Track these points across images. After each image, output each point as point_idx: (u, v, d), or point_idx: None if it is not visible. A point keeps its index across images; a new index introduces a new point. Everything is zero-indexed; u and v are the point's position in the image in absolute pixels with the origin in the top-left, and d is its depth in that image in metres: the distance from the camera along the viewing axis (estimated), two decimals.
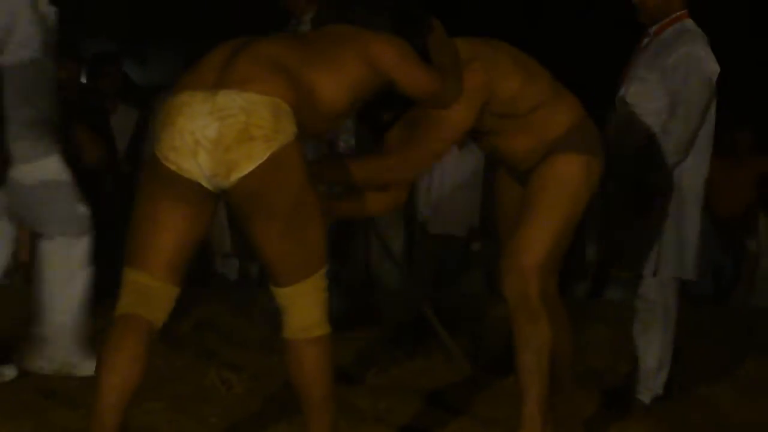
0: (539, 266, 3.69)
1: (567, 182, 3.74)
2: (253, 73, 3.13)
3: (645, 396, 4.56)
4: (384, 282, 7.63)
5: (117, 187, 6.93)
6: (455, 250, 7.48)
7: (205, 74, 3.17)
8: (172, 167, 3.11)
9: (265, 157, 3.07)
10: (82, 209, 4.52)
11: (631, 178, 4.46)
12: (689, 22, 4.50)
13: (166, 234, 3.15)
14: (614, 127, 4.56)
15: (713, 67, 4.40)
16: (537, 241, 3.69)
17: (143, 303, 3.17)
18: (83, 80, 7.33)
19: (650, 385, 4.55)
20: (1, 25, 4.25)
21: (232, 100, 3.08)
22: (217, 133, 3.07)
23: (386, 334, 5.57)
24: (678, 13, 4.50)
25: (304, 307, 3.23)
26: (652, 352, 4.53)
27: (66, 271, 4.53)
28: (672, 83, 4.38)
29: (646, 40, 4.56)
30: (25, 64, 4.33)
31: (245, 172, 3.08)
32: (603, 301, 7.28)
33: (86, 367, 4.37)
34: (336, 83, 3.25)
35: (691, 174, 4.47)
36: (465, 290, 7.42)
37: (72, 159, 4.63)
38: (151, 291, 3.18)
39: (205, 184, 3.12)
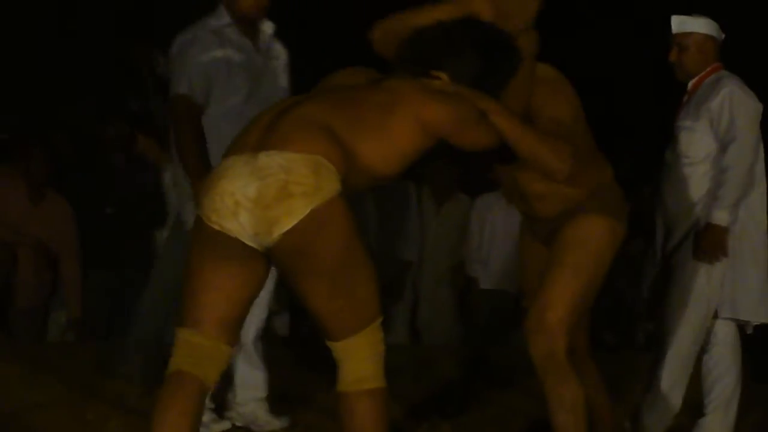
0: (563, 323, 3.71)
1: (591, 243, 3.77)
2: (293, 133, 3.16)
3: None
4: (434, 337, 7.62)
5: None
6: (506, 305, 7.45)
7: (250, 137, 3.22)
8: (216, 227, 3.15)
9: (305, 213, 3.08)
10: None
11: (690, 222, 4.51)
12: (725, 72, 4.61)
13: (215, 293, 3.18)
14: (667, 177, 4.60)
15: (756, 105, 4.50)
16: (560, 299, 3.71)
17: (195, 362, 3.19)
18: None
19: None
20: (200, 85, 4.41)
21: (272, 159, 3.11)
22: (257, 192, 3.10)
23: (437, 390, 5.55)
24: (713, 65, 4.60)
25: (357, 359, 3.21)
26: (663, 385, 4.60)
27: None
28: (719, 126, 4.48)
29: (686, 97, 4.65)
30: (225, 112, 4.46)
31: (286, 228, 3.09)
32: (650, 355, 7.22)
33: None
34: (383, 152, 3.25)
35: (756, 212, 4.52)
36: (516, 345, 7.37)
37: None
38: (203, 350, 3.20)
39: (249, 242, 3.15)
